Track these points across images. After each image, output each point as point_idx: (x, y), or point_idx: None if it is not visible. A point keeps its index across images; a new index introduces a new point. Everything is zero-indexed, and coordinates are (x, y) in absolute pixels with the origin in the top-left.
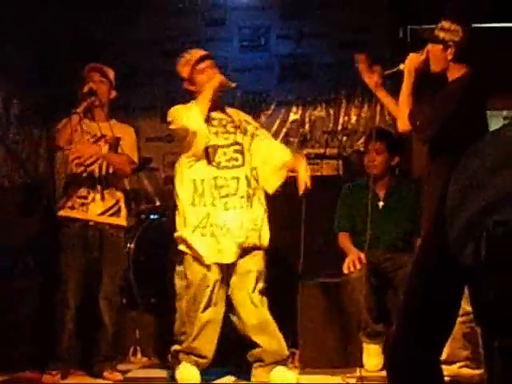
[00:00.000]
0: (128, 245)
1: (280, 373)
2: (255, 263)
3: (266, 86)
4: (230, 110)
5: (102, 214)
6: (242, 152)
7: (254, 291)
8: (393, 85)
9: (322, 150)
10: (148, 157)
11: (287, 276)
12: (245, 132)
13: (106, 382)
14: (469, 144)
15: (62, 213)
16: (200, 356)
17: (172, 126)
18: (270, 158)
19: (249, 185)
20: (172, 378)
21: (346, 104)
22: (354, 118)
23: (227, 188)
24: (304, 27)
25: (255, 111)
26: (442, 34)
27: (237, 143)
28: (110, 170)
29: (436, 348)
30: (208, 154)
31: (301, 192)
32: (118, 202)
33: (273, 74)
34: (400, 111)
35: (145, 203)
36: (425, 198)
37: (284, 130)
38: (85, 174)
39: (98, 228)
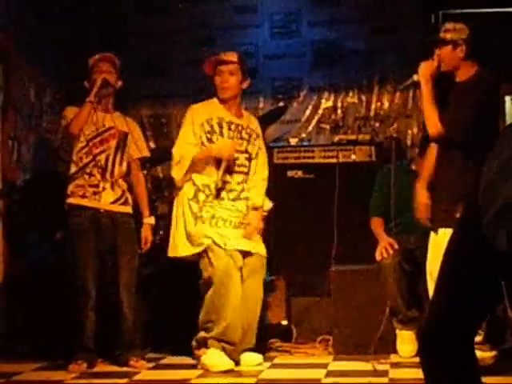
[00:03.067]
0: (161, 232)
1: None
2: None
3: (297, 73)
4: (246, 116)
5: (114, 202)
6: (250, 160)
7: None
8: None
9: (354, 137)
10: None
11: (321, 262)
12: (254, 144)
13: (135, 370)
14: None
15: (72, 200)
16: (229, 343)
17: None
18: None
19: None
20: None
21: (378, 90)
22: (386, 104)
23: (235, 192)
24: (335, 13)
25: (287, 98)
26: (448, 35)
27: (247, 151)
28: (116, 160)
29: (469, 334)
30: (218, 159)
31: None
32: (124, 191)
33: (304, 61)
34: (428, 117)
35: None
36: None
37: (316, 116)
38: (93, 164)
39: (109, 216)
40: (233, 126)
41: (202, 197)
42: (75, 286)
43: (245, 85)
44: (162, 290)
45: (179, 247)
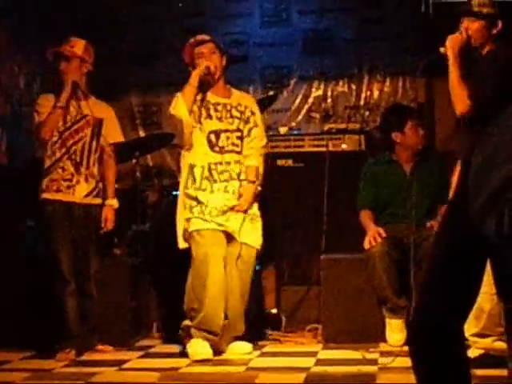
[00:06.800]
0: (148, 223)
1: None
2: (251, 252)
3: (287, 61)
4: (237, 95)
5: (87, 195)
6: (241, 138)
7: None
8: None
9: (344, 125)
10: (170, 133)
11: (310, 251)
12: (246, 121)
13: (126, 357)
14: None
15: (47, 195)
16: (209, 332)
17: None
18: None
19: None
20: (183, 353)
21: (368, 79)
22: (376, 93)
23: (229, 172)
24: (326, 1)
25: (277, 86)
26: (485, 9)
27: (239, 130)
28: (92, 148)
29: (457, 321)
30: (210, 140)
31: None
32: (97, 182)
33: (295, 49)
34: (456, 94)
35: (167, 179)
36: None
37: (306, 105)
38: (67, 156)
39: (82, 208)
40: (219, 107)
41: (195, 183)
42: (52, 274)
43: (224, 61)
44: (151, 278)
45: (180, 240)
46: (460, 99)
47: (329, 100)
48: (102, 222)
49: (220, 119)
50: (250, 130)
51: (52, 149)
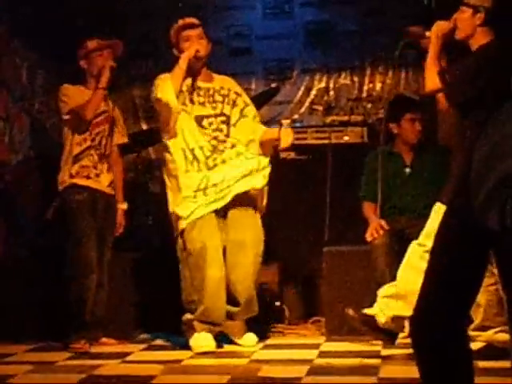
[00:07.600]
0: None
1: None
2: (253, 228)
3: (290, 54)
4: (218, 78)
5: (109, 185)
6: (227, 123)
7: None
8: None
9: (346, 118)
10: None
11: (313, 243)
12: (233, 104)
13: (129, 350)
14: (493, 111)
15: (77, 181)
16: (212, 324)
17: (152, 97)
18: (255, 136)
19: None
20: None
21: (370, 71)
22: (378, 85)
23: (217, 154)
24: None
25: (279, 79)
26: (472, 0)
27: (223, 114)
28: (108, 144)
29: (460, 314)
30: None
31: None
32: (112, 174)
33: (297, 42)
34: (427, 71)
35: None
36: (452, 166)
37: (308, 97)
38: (93, 145)
39: (104, 198)
40: (202, 92)
41: (199, 164)
42: (78, 264)
43: (209, 48)
44: (154, 271)
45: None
46: (430, 77)
47: (331, 92)
48: (116, 225)
49: (203, 104)
50: (242, 111)
51: (82, 136)
